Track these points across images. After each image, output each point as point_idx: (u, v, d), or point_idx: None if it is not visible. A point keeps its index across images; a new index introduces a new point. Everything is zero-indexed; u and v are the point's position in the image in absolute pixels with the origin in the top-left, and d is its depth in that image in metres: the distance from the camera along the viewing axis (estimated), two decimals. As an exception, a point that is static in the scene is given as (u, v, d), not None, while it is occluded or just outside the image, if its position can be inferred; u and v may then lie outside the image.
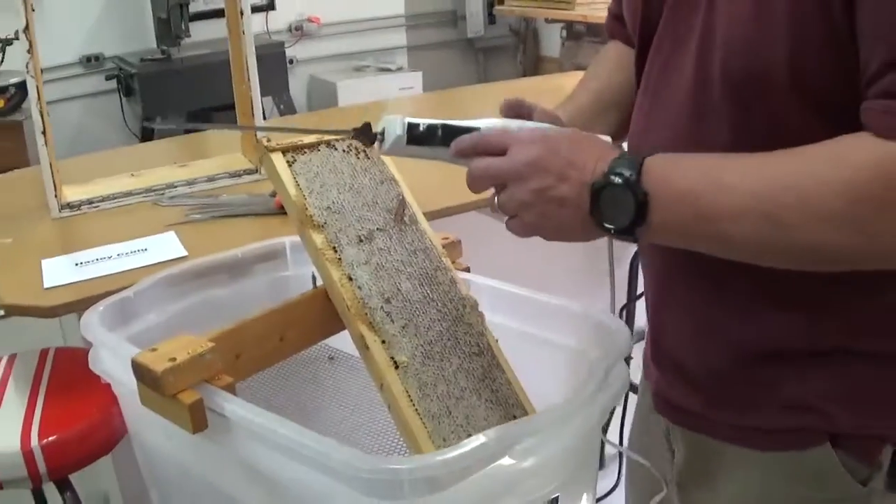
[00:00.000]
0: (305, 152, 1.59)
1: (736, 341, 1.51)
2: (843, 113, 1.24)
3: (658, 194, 1.28)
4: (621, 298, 1.79)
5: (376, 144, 1.45)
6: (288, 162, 1.57)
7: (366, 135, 1.46)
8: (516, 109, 1.52)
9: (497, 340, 1.61)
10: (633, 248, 2.43)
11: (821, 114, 1.28)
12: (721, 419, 1.57)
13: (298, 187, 1.55)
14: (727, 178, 1.25)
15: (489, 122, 1.45)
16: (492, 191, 1.41)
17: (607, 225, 1.32)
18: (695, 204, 1.26)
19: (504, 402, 1.54)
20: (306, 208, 1.53)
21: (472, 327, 1.58)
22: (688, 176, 1.29)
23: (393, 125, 1.42)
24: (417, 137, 1.42)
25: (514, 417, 1.53)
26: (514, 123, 1.47)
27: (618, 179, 1.29)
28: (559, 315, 1.67)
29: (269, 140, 1.58)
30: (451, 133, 1.43)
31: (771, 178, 1.22)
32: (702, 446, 1.63)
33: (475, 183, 1.40)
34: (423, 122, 1.43)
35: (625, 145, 1.61)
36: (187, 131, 6.32)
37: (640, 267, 1.75)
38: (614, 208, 1.30)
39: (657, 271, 1.63)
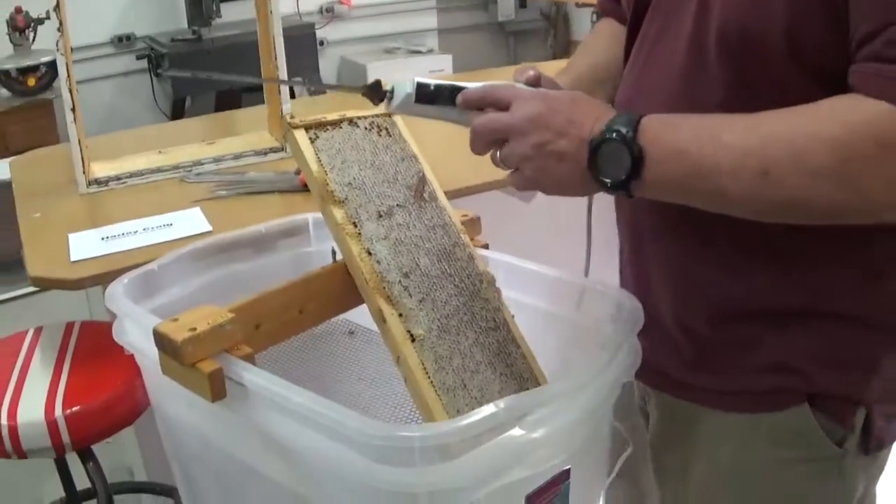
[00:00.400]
0: (328, 129, 1.61)
1: (719, 299, 1.54)
2: (841, 79, 1.29)
3: (652, 150, 1.33)
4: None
5: (385, 102, 1.49)
6: (311, 139, 1.59)
7: (375, 92, 1.50)
8: (526, 75, 1.55)
9: (513, 316, 1.63)
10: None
11: (818, 80, 1.31)
12: (700, 383, 1.61)
13: (320, 163, 1.57)
14: (721, 136, 1.30)
15: (495, 85, 1.48)
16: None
17: (604, 179, 1.36)
18: (688, 160, 1.31)
19: (519, 376, 1.56)
20: (327, 184, 1.55)
21: (489, 302, 1.60)
22: (682, 133, 1.34)
23: (402, 84, 1.47)
24: (426, 96, 1.48)
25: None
26: (520, 86, 1.51)
27: (615, 136, 1.34)
28: (575, 291, 1.69)
29: (293, 117, 1.59)
30: (455, 93, 1.48)
31: (765, 135, 1.27)
32: (678, 410, 1.66)
33: (478, 135, 1.44)
34: (433, 81, 1.48)
35: None
36: (216, 108, 6.39)
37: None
38: (611, 163, 1.35)
39: (639, 228, 1.66)
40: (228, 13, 6.45)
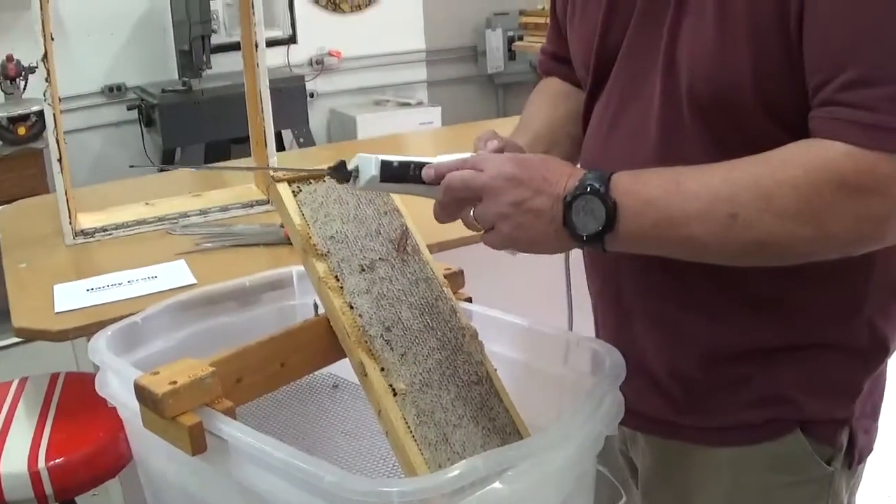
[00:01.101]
0: (311, 183, 1.62)
1: (709, 344, 1.59)
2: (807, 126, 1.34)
3: (625, 202, 1.37)
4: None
5: (351, 181, 1.48)
6: (294, 192, 1.59)
7: (340, 173, 1.48)
8: (490, 145, 1.58)
9: (496, 370, 1.63)
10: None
11: (790, 130, 1.36)
12: (691, 423, 1.64)
13: (303, 217, 1.57)
14: (688, 184, 1.35)
15: (460, 157, 1.49)
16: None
17: (579, 233, 1.38)
18: (659, 209, 1.35)
19: (501, 430, 1.55)
20: (310, 237, 1.56)
21: (472, 356, 1.60)
22: (651, 185, 1.38)
23: (367, 164, 1.46)
24: (391, 175, 1.47)
25: (511, 446, 1.54)
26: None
27: (588, 190, 1.37)
28: (557, 344, 1.70)
29: (276, 169, 1.60)
30: (422, 170, 1.48)
31: (731, 181, 1.32)
32: (669, 451, 1.70)
33: (453, 192, 1.45)
34: (397, 159, 1.47)
35: None
36: (206, 158, 6.39)
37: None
38: (585, 217, 1.38)
39: (616, 281, 1.68)
40: (219, 64, 6.45)
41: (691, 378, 1.61)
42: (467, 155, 1.50)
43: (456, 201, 1.46)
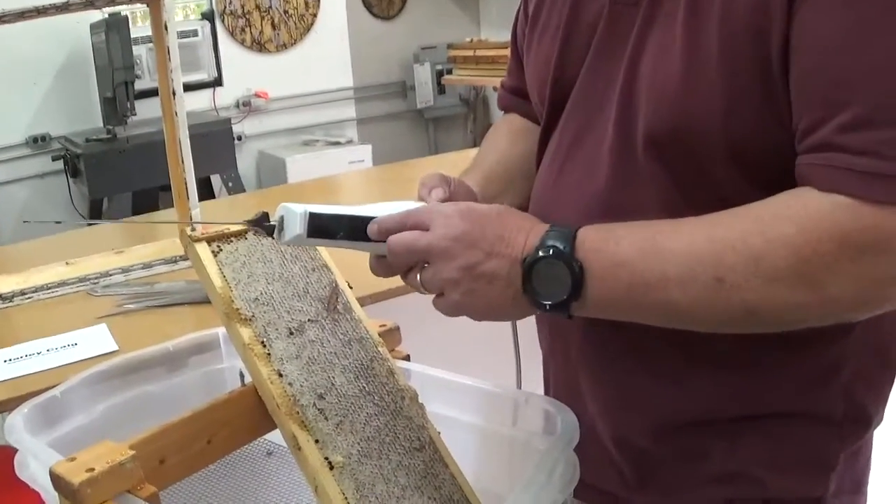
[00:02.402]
0: (232, 241, 1.52)
1: (660, 411, 1.46)
2: (782, 178, 1.21)
3: (594, 266, 1.24)
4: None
5: (276, 234, 1.37)
6: (213, 252, 1.50)
7: (262, 226, 1.37)
8: (436, 194, 1.46)
9: (440, 433, 1.52)
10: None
11: (759, 182, 1.24)
12: (647, 501, 1.52)
13: (224, 279, 1.48)
14: (668, 244, 1.21)
15: (398, 206, 1.38)
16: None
17: (542, 301, 1.26)
18: (632, 272, 1.22)
19: (448, 498, 1.45)
20: (232, 301, 1.46)
21: (413, 420, 1.50)
22: (623, 243, 1.24)
23: (293, 219, 1.33)
24: (320, 230, 1.34)
25: (460, 515, 1.44)
26: (417, 206, 1.40)
27: (551, 252, 1.24)
28: (504, 403, 1.60)
29: (193, 229, 1.50)
30: (354, 224, 1.36)
31: (716, 239, 1.18)
32: None
33: (395, 256, 1.33)
34: (326, 212, 1.35)
35: None
36: (133, 208, 6.28)
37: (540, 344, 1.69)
38: (548, 283, 1.25)
39: (564, 334, 1.56)
40: (143, 111, 6.37)
41: (641, 449, 1.49)
42: (409, 204, 1.39)
43: (400, 265, 1.35)
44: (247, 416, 1.48)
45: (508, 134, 1.81)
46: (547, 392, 1.69)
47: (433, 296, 1.34)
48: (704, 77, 1.23)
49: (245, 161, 7.85)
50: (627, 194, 1.35)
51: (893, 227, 1.11)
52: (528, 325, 1.65)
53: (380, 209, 1.37)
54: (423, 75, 8.72)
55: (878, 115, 1.11)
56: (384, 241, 1.34)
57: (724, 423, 1.43)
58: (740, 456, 1.43)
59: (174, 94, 2.87)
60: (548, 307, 1.26)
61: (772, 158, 1.23)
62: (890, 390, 1.48)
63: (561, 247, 1.24)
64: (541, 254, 1.24)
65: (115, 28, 6.05)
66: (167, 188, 2.96)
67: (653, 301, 1.22)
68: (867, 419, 1.46)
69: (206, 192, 6.73)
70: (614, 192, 1.37)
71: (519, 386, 1.73)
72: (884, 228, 1.11)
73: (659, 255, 1.20)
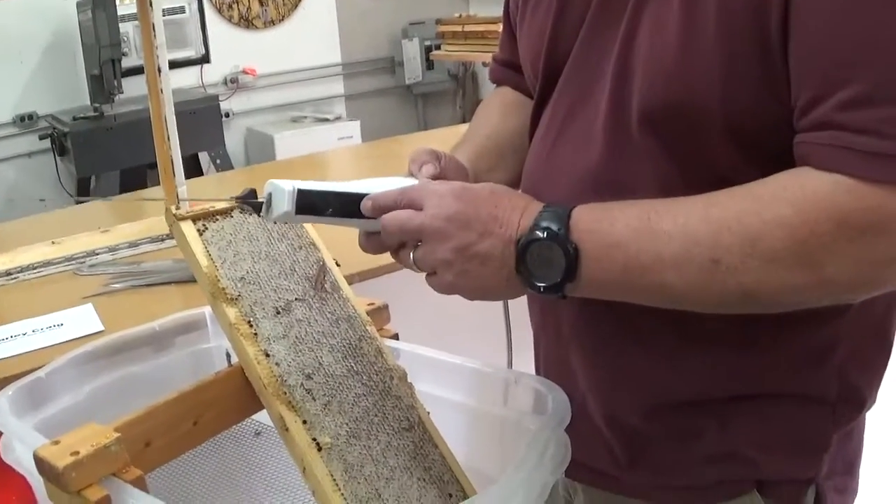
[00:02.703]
0: (217, 219, 1.50)
1: (652, 391, 1.43)
2: (781, 157, 1.18)
3: (588, 247, 1.21)
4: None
5: (263, 211, 1.34)
6: (199, 230, 1.48)
7: (249, 203, 1.35)
8: (427, 170, 1.44)
9: (429, 413, 1.51)
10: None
11: (751, 157, 1.22)
12: (636, 480, 1.50)
13: (210, 258, 1.46)
14: (663, 225, 1.18)
15: (388, 182, 1.36)
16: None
17: (536, 283, 1.24)
18: (627, 254, 1.20)
19: (438, 479, 1.44)
20: (218, 280, 1.44)
21: (401, 400, 1.48)
22: (618, 224, 1.21)
23: (280, 196, 1.31)
24: (308, 206, 1.31)
25: (451, 496, 1.43)
26: (408, 181, 1.39)
27: (545, 234, 1.21)
28: (495, 382, 1.58)
29: (178, 207, 1.47)
30: (344, 200, 1.33)
31: (712, 220, 1.16)
32: None
33: (388, 235, 1.31)
34: (314, 188, 1.32)
35: None
36: (121, 186, 6.25)
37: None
38: (542, 265, 1.23)
39: (556, 313, 1.53)
40: (131, 88, 6.32)
41: (632, 428, 1.47)
42: (399, 180, 1.37)
43: (393, 243, 1.33)
44: (233, 396, 1.46)
45: (500, 107, 1.78)
46: (537, 369, 1.66)
47: (424, 274, 1.32)
48: (702, 51, 1.20)
49: (233, 138, 7.81)
50: (621, 170, 1.33)
51: (894, 208, 1.08)
52: (519, 304, 1.63)
53: (369, 185, 1.35)
54: (412, 51, 8.68)
55: (880, 92, 1.08)
56: (375, 218, 1.32)
57: (716, 403, 1.40)
58: (733, 436, 1.41)
59: (160, 71, 2.84)
60: (542, 289, 1.24)
61: (770, 135, 1.20)
62: (884, 371, 1.46)
63: (555, 228, 1.21)
64: (536, 234, 1.22)
65: (102, 5, 5.99)
66: (155, 166, 2.94)
67: (648, 282, 1.20)
68: (861, 400, 1.44)
69: (193, 169, 6.69)
70: (608, 168, 1.34)
71: (510, 365, 1.71)
72: (885, 208, 1.08)
73: (654, 235, 1.18)
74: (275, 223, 1.51)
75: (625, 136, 1.32)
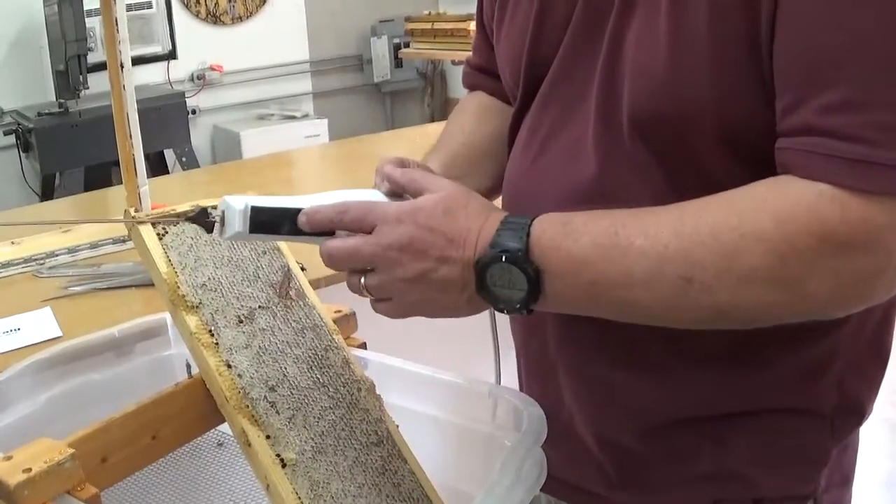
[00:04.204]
0: (178, 223, 1.43)
1: (648, 411, 1.39)
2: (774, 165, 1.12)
3: (551, 265, 1.16)
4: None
5: (216, 229, 1.27)
6: (158, 234, 1.42)
7: (201, 223, 1.29)
8: (387, 183, 1.35)
9: (398, 426, 1.46)
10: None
11: (748, 165, 1.16)
12: (630, 501, 1.46)
13: (170, 263, 1.40)
14: (631, 238, 1.13)
15: (349, 195, 1.29)
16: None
17: (498, 305, 1.19)
18: (593, 270, 1.14)
19: (408, 496, 1.39)
20: (178, 287, 1.38)
21: (369, 413, 1.43)
22: (583, 240, 1.15)
23: (233, 215, 1.24)
24: (262, 225, 1.25)
25: (421, 514, 1.38)
26: (372, 195, 1.32)
27: (503, 257, 1.16)
28: (467, 395, 1.54)
29: (137, 210, 1.42)
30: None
31: (685, 234, 1.10)
32: None
33: (335, 264, 1.24)
34: (269, 205, 1.25)
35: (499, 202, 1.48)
36: (86, 184, 6.20)
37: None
38: (504, 287, 1.17)
39: (540, 332, 1.48)
40: (97, 84, 6.26)
41: (625, 448, 1.42)
42: (363, 193, 1.30)
43: (343, 270, 1.26)
44: (194, 409, 1.41)
45: (476, 112, 1.72)
46: (521, 385, 1.62)
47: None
48: (693, 58, 1.15)
49: (199, 135, 7.78)
50: (615, 182, 1.27)
51: (881, 221, 1.03)
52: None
53: (329, 199, 1.28)
54: (381, 49, 8.67)
55: (867, 95, 1.03)
56: (331, 235, 1.25)
57: (712, 421, 1.36)
58: (729, 454, 1.37)
59: (122, 66, 2.78)
60: (504, 310, 1.20)
61: (765, 142, 1.13)
62: (882, 381, 1.43)
63: (515, 247, 1.16)
64: (494, 255, 1.17)
65: (68, 0, 5.95)
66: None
67: (615, 298, 1.15)
68: (860, 411, 1.41)
69: (159, 166, 6.66)
70: (601, 181, 1.28)
71: (498, 378, 1.67)
72: (871, 222, 1.03)
73: (622, 251, 1.12)
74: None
75: (617, 148, 1.26)
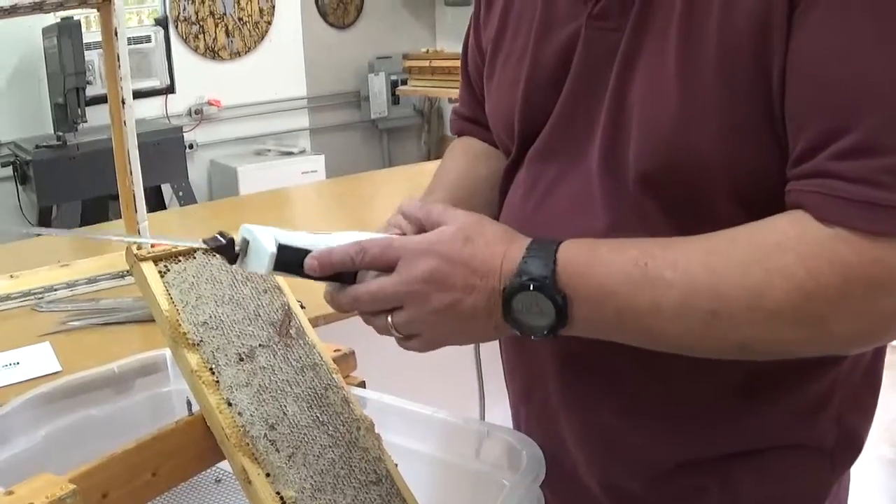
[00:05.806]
0: (180, 261, 1.44)
1: (653, 455, 1.39)
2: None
3: (579, 293, 1.16)
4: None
5: (238, 261, 1.27)
6: (160, 272, 1.42)
7: (224, 253, 1.28)
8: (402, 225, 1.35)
9: (397, 465, 1.46)
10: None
11: (763, 216, 1.15)
12: None
13: (171, 301, 1.40)
14: (660, 270, 1.13)
15: (363, 236, 1.28)
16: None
17: (525, 333, 1.19)
18: (620, 300, 1.15)
19: (406, 535, 1.39)
20: (180, 325, 1.39)
21: (369, 452, 1.43)
22: (612, 269, 1.16)
23: (260, 253, 1.24)
24: (288, 265, 1.25)
25: (419, 553, 1.38)
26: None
27: (531, 285, 1.16)
28: (466, 435, 1.54)
29: (139, 247, 1.43)
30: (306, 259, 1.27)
31: (713, 269, 1.11)
32: None
33: (362, 307, 1.25)
34: (296, 245, 1.25)
35: None
36: (82, 217, 6.20)
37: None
38: (531, 315, 1.17)
39: (541, 377, 1.48)
40: (95, 117, 6.28)
41: (631, 494, 1.42)
42: (364, 235, 1.28)
43: (370, 314, 1.27)
44: (194, 446, 1.41)
45: (471, 156, 1.71)
46: (518, 426, 1.61)
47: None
48: (703, 110, 1.16)
49: (196, 170, 7.79)
50: (627, 234, 1.26)
51: (894, 261, 1.05)
52: (491, 349, 1.59)
53: (349, 238, 1.28)
54: (378, 85, 8.69)
55: (881, 140, 1.05)
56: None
57: (716, 461, 1.37)
58: (734, 494, 1.37)
59: (123, 102, 2.79)
60: (533, 336, 1.20)
61: (779, 194, 1.15)
62: (875, 411, 1.44)
63: (542, 274, 1.16)
64: (522, 283, 1.17)
65: (67, 33, 5.98)
66: (118, 197, 2.89)
67: (641, 328, 1.16)
68: (858, 444, 1.42)
69: (156, 201, 6.66)
70: (613, 233, 1.28)
71: (482, 416, 1.67)
72: (885, 262, 1.05)
73: (650, 282, 1.14)
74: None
75: (626, 201, 1.27)
